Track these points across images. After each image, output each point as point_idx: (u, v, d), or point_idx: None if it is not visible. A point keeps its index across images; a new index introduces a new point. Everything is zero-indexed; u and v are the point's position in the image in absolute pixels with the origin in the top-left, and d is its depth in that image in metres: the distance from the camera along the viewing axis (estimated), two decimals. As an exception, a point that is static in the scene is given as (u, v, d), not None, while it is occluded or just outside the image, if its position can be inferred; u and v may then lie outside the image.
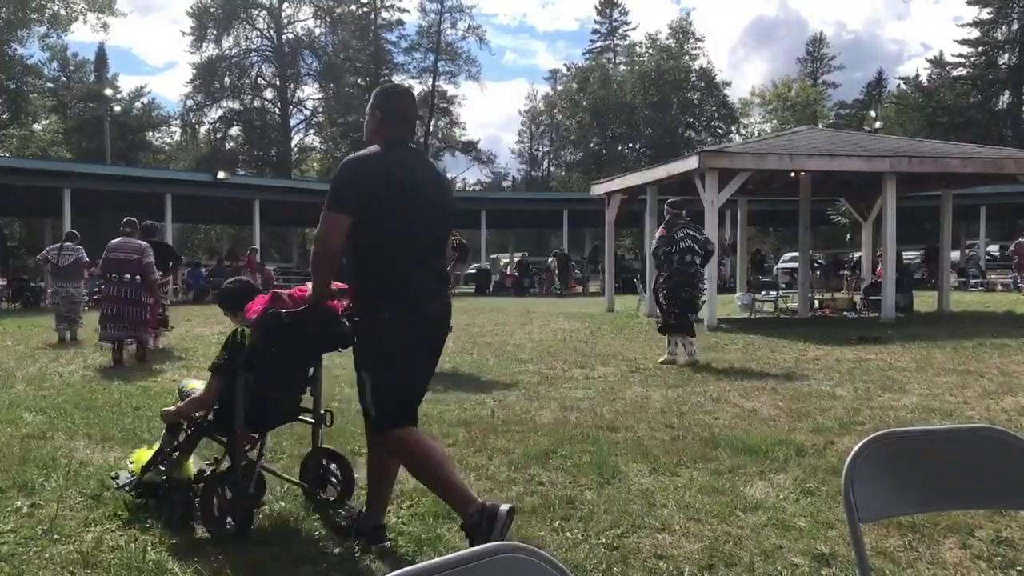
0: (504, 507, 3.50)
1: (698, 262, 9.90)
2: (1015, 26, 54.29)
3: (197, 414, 4.12)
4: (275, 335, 3.84)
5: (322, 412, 4.35)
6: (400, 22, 60.35)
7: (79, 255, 13.26)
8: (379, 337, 3.59)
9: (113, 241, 10.70)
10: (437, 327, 3.77)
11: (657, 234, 10.11)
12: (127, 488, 4.26)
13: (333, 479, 4.40)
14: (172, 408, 4.28)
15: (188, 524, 4.02)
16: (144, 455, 4.32)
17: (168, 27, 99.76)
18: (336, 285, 3.80)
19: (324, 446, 4.51)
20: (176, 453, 4.18)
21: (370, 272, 3.63)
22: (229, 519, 3.87)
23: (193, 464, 4.28)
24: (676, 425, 6.26)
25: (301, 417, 4.43)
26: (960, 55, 56.48)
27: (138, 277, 10.38)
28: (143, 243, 10.71)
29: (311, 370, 4.29)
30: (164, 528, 3.98)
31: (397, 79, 60.75)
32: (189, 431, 4.17)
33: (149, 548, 3.75)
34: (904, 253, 22.90)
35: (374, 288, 3.63)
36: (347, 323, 3.75)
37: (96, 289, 14.55)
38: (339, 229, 3.53)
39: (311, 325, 3.83)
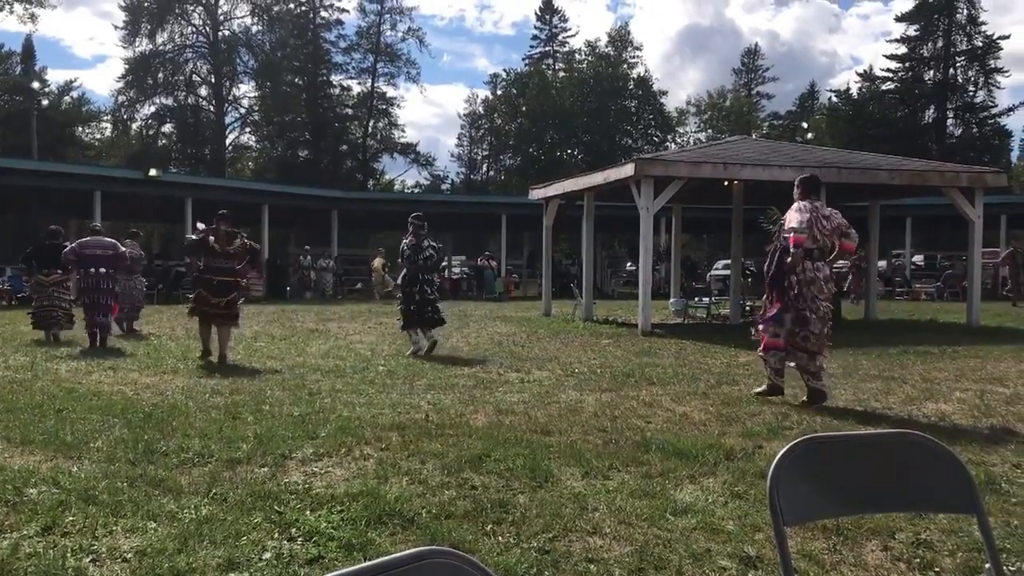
0: None
1: (439, 267, 12.75)
2: (940, 43, 56.09)
3: None
4: None
5: None
6: (339, 22, 59.83)
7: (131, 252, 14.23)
8: None
9: (86, 239, 12.64)
10: None
11: (408, 242, 11.52)
12: None
13: None
14: None
15: None
16: None
17: (98, 20, 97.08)
18: None
19: None
20: None
21: None
22: None
23: None
24: (609, 429, 6.30)
25: None
26: (888, 70, 58.13)
27: (111, 270, 12.32)
28: (112, 240, 12.97)
29: None
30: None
31: (336, 79, 60.44)
32: None
33: (68, 554, 3.64)
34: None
35: None
36: None
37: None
38: None
39: None
